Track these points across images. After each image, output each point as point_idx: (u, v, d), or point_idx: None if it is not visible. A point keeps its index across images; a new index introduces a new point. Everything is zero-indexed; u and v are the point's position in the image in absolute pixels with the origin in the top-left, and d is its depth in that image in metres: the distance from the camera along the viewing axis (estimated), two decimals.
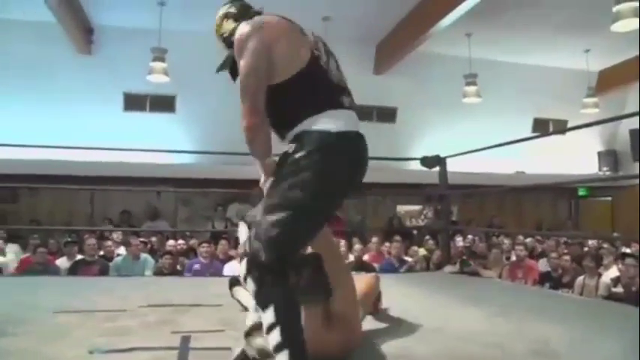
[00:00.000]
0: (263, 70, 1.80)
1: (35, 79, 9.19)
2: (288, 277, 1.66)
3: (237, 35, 1.85)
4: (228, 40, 2.00)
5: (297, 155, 1.75)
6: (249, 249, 1.72)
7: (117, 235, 7.38)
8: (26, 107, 9.20)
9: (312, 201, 1.72)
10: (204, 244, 6.32)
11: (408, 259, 6.78)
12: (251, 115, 1.81)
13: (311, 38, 1.93)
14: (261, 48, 1.80)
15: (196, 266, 6.05)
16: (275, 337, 1.59)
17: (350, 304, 2.13)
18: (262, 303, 1.64)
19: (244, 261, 1.72)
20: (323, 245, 1.98)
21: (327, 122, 1.78)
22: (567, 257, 6.48)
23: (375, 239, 7.41)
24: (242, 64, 1.82)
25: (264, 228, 1.69)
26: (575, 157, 12.37)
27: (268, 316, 1.61)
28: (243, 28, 1.85)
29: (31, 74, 9.14)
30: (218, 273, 5.76)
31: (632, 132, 11.62)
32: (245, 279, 1.70)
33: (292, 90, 1.82)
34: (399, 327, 2.61)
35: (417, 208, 11.98)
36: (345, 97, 1.89)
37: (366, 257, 6.77)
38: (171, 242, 7.12)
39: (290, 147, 1.81)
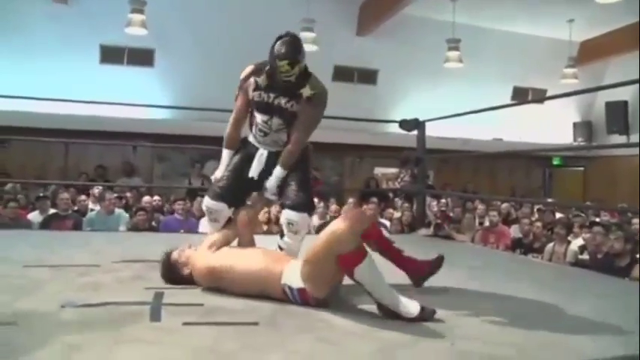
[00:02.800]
0: None
1: (6, 30, 8.87)
2: None
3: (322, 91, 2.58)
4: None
5: None
6: None
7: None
8: None
9: None
10: (180, 202, 6.31)
11: (384, 221, 6.83)
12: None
13: None
14: None
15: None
16: None
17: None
18: None
19: None
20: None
21: None
22: (539, 224, 6.59)
23: (351, 200, 7.43)
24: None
25: None
26: (552, 126, 12.47)
27: None
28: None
29: (2, 24, 8.82)
30: (193, 230, 5.76)
31: (608, 104, 11.74)
32: None
33: None
34: None
35: (394, 171, 12.01)
36: None
37: None
38: (146, 198, 7.06)
39: None
